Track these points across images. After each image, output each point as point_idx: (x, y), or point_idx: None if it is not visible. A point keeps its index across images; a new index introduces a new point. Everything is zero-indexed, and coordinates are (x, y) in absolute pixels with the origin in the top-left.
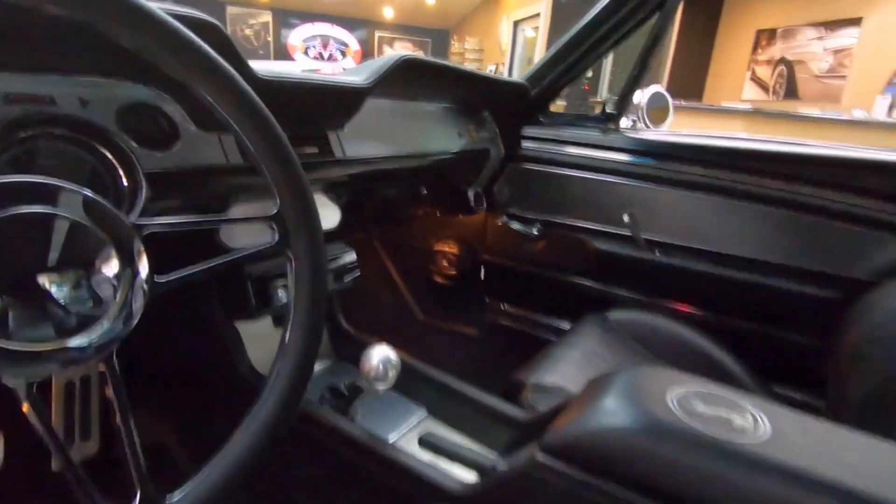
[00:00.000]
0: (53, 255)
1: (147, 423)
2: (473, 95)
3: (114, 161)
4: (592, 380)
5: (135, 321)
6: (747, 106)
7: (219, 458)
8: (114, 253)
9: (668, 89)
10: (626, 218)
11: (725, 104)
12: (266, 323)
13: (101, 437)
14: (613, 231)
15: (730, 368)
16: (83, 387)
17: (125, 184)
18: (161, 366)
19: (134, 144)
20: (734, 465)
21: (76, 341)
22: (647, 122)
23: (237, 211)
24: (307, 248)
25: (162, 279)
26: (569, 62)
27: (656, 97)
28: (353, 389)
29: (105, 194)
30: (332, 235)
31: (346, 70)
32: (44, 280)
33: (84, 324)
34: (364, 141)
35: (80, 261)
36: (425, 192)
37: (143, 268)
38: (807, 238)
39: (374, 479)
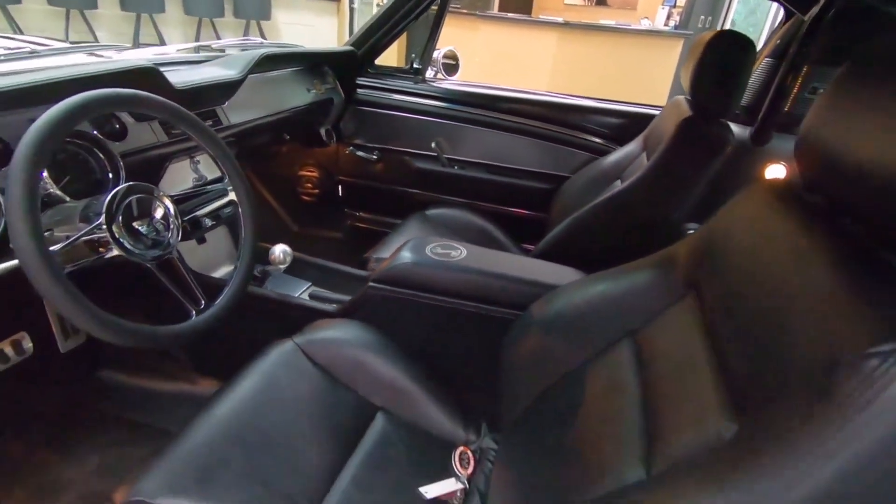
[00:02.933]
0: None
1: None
2: (316, 60)
3: (101, 154)
4: (398, 246)
5: (179, 237)
6: (557, 18)
7: (223, 295)
8: (157, 205)
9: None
10: (433, 145)
11: (542, 17)
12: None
13: None
14: (427, 154)
15: (497, 236)
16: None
17: (107, 166)
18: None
19: (106, 141)
20: (449, 268)
21: (153, 252)
22: (443, 73)
23: (171, 169)
24: (243, 190)
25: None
26: (389, 25)
27: (449, 55)
28: (264, 273)
29: (104, 176)
30: None
31: (225, 58)
32: (139, 225)
33: (157, 242)
34: (241, 109)
35: (148, 214)
36: (287, 137)
37: (172, 210)
38: (538, 153)
39: (284, 315)
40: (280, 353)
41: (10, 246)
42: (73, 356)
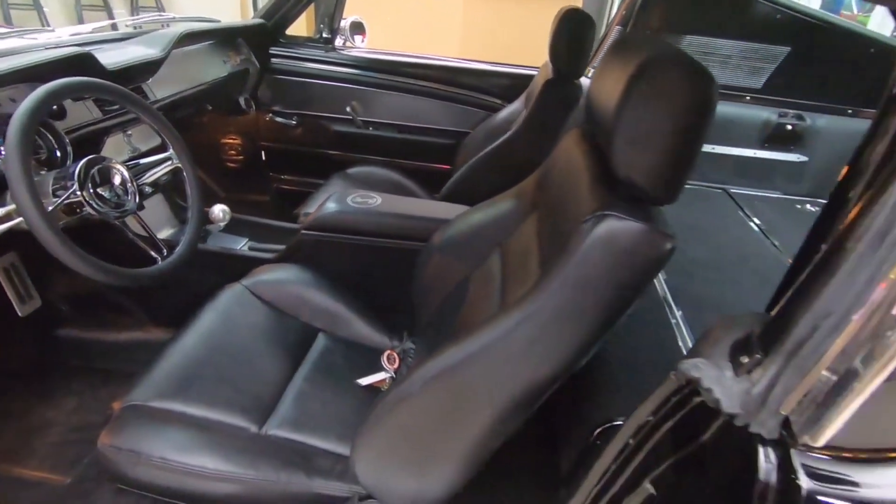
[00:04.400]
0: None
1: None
2: (230, 34)
3: (48, 134)
4: (326, 198)
5: (137, 199)
6: None
7: (182, 244)
8: (115, 173)
9: None
10: (348, 109)
11: None
12: None
13: None
14: (343, 117)
15: (412, 188)
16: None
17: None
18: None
19: (52, 121)
20: (368, 213)
21: (117, 211)
22: (351, 41)
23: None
24: (187, 158)
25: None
26: None
27: (356, 24)
28: (205, 231)
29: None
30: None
31: (145, 36)
32: (103, 190)
33: (119, 204)
34: (165, 84)
35: (108, 181)
36: (210, 108)
37: (127, 176)
38: (442, 112)
39: (228, 265)
40: (231, 295)
41: (15, 214)
42: (31, 319)
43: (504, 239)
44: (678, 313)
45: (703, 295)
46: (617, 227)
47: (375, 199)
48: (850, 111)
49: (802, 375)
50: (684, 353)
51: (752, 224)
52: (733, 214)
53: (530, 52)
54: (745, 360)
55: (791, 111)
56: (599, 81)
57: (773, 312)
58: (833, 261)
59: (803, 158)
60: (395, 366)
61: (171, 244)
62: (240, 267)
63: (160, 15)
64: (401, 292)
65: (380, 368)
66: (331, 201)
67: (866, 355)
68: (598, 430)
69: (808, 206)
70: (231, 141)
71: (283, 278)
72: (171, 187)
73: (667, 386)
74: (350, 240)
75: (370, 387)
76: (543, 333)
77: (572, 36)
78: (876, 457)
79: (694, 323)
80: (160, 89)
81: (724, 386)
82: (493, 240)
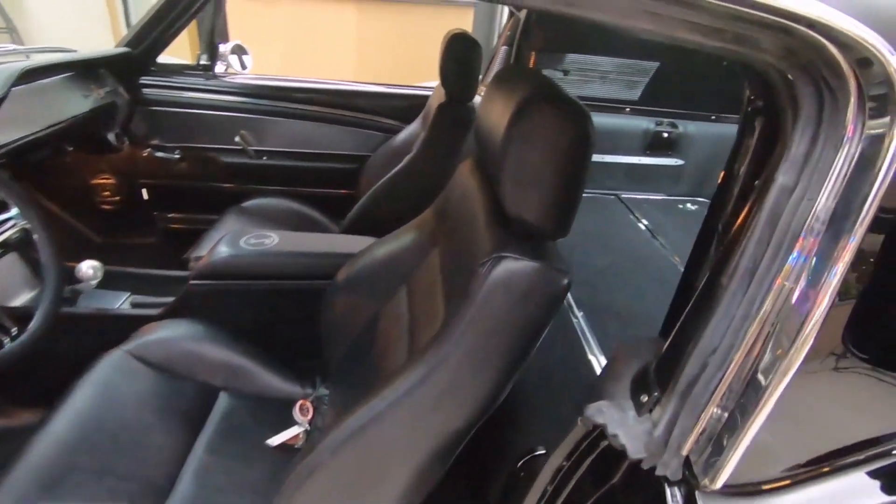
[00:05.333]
0: None
1: None
2: (89, 65)
3: None
4: (218, 240)
5: None
6: None
7: (35, 319)
8: None
9: None
10: (237, 139)
11: None
12: None
13: None
14: (233, 148)
15: (315, 217)
16: None
17: None
18: None
19: None
20: (264, 254)
21: None
22: (235, 66)
23: None
24: (33, 214)
25: None
26: (167, 22)
27: (238, 48)
28: (74, 292)
29: None
30: None
31: None
32: None
33: None
34: (9, 127)
35: None
36: (70, 148)
37: None
38: (340, 136)
39: (106, 328)
40: (111, 363)
41: None
42: None
43: (409, 274)
44: (585, 326)
45: (606, 303)
46: (513, 268)
47: (272, 238)
48: (713, 117)
49: (696, 414)
50: (595, 368)
51: (641, 225)
52: (625, 218)
53: (432, 66)
54: (644, 398)
55: (665, 120)
56: (484, 115)
57: (665, 346)
58: (711, 295)
59: (680, 162)
60: (309, 416)
61: (29, 313)
62: (120, 328)
63: (4, 46)
64: (308, 336)
65: (292, 422)
66: (222, 245)
67: (749, 391)
68: (522, 461)
69: (688, 204)
70: (104, 181)
71: (172, 336)
72: (25, 243)
73: (576, 431)
74: (247, 285)
75: (283, 446)
76: (453, 384)
77: (460, 60)
78: (773, 486)
79: (601, 334)
80: (4, 133)
81: (628, 429)
82: (399, 275)
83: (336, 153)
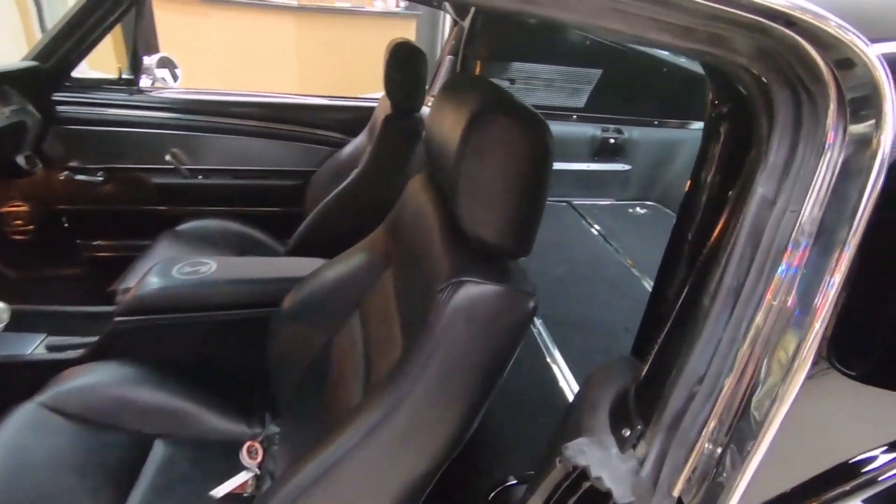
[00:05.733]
0: None
1: None
2: None
3: None
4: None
5: None
6: (292, 2)
7: None
8: None
9: None
10: (167, 157)
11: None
12: None
13: None
14: (165, 167)
15: (259, 238)
16: None
17: None
18: None
19: None
20: (200, 284)
21: None
22: (164, 80)
23: None
24: None
25: None
26: (81, 33)
27: (164, 61)
28: None
29: None
30: None
31: None
32: None
33: None
34: None
35: None
36: None
37: None
38: (282, 152)
39: (16, 377)
40: (22, 418)
41: None
42: None
43: (362, 298)
44: (548, 338)
45: (567, 314)
46: (475, 293)
47: (208, 266)
48: (656, 122)
49: (686, 451)
50: (561, 383)
51: (593, 231)
52: (578, 225)
53: (378, 78)
54: (626, 432)
55: (611, 126)
56: (434, 128)
57: (643, 371)
58: (691, 317)
59: (627, 167)
60: (259, 459)
61: None
62: (34, 377)
63: None
64: (254, 370)
65: (240, 467)
66: (152, 275)
67: (744, 424)
68: (493, 493)
69: (637, 208)
70: (14, 209)
71: (95, 381)
72: None
73: (555, 474)
74: (182, 319)
75: (230, 496)
76: (416, 424)
77: (405, 69)
78: None
79: (564, 346)
80: None
81: (612, 470)
82: (350, 300)
83: (279, 169)
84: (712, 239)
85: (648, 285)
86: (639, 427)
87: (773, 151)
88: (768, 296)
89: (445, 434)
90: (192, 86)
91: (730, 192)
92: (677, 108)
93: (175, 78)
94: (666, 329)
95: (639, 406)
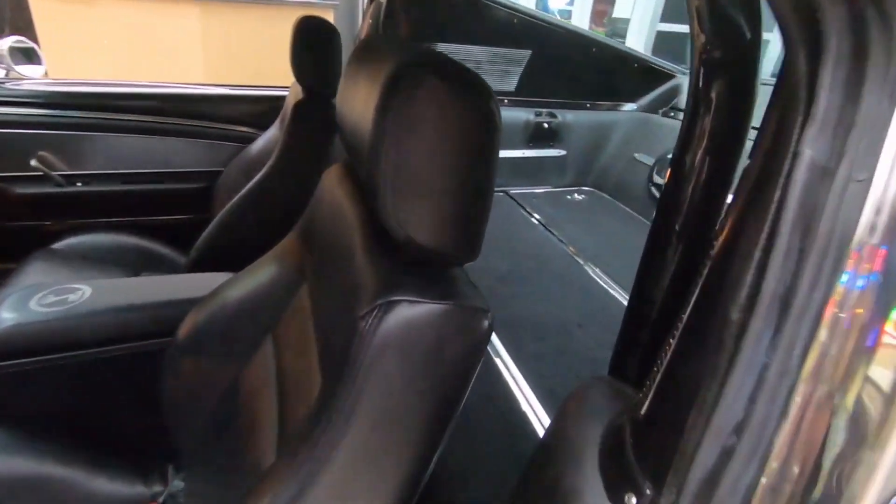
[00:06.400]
0: None
1: None
2: None
3: None
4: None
5: None
6: None
7: None
8: None
9: None
10: (33, 162)
11: None
12: None
13: None
14: (31, 175)
15: (159, 251)
16: None
17: None
18: None
19: None
20: (69, 317)
21: None
22: (16, 71)
23: None
24: None
25: None
26: None
27: (20, 50)
28: None
29: None
30: None
31: None
32: None
33: None
34: None
35: None
36: None
37: None
38: (183, 151)
39: None
40: None
41: None
42: None
43: (275, 320)
44: (498, 343)
45: (516, 314)
46: (410, 316)
47: (80, 292)
48: (588, 105)
49: None
50: (520, 399)
51: (534, 220)
52: (517, 215)
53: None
54: (631, 499)
55: (544, 110)
56: (346, 102)
57: (642, 407)
58: (712, 336)
59: (562, 152)
60: None
61: None
62: None
63: None
64: (148, 416)
65: None
66: (5, 310)
67: (815, 497)
68: None
69: (575, 195)
70: None
71: None
72: None
73: None
74: (46, 363)
75: None
76: (347, 489)
77: (315, 49)
78: None
79: (516, 351)
80: None
81: None
82: (261, 324)
83: (179, 171)
84: (729, 227)
85: (595, 274)
86: (647, 492)
87: (822, 96)
88: (832, 306)
89: (387, 489)
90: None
91: (748, 166)
92: (608, 89)
93: (33, 66)
94: (671, 349)
95: (641, 458)
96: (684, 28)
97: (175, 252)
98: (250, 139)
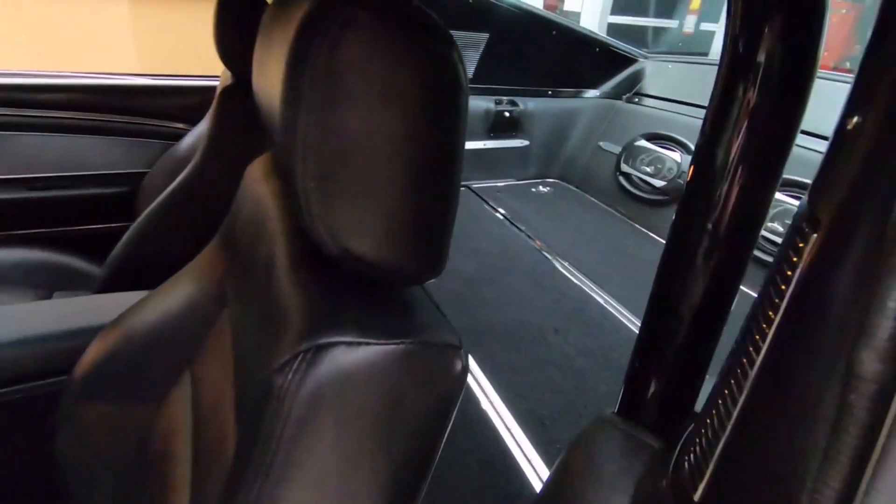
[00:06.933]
0: None
1: None
2: None
3: None
4: None
5: None
6: None
7: None
8: None
9: None
10: None
11: None
12: None
13: None
14: None
15: (78, 266)
16: None
17: None
18: None
19: None
20: None
21: None
22: None
23: None
24: None
25: None
26: None
27: None
28: None
29: None
30: None
31: None
32: None
33: None
34: None
35: None
36: None
37: None
38: (102, 150)
39: None
40: None
41: None
42: None
43: (192, 354)
44: (473, 364)
45: (486, 323)
46: (352, 364)
47: None
48: (549, 92)
49: None
50: (495, 422)
51: (498, 216)
52: (481, 210)
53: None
54: None
55: (505, 98)
56: (258, 72)
57: (699, 479)
58: (828, 401)
59: (525, 142)
60: None
61: None
62: None
63: None
64: (41, 475)
65: None
66: None
67: None
68: None
69: (540, 187)
70: None
71: None
72: None
73: None
74: None
75: None
76: None
77: (242, 25)
78: None
79: (489, 365)
80: None
81: None
82: (176, 358)
83: (97, 174)
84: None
85: (567, 271)
86: None
87: None
88: None
89: None
90: None
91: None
92: (570, 75)
93: None
94: (740, 402)
95: None
96: (636, 20)
97: (96, 267)
98: (180, 136)
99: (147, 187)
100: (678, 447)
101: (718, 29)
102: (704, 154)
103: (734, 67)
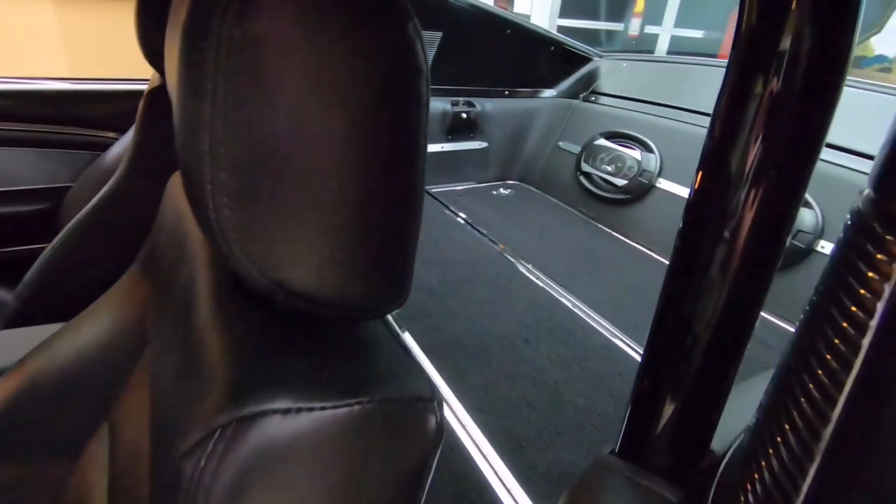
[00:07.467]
0: None
1: None
2: None
3: None
4: None
5: None
6: None
7: None
8: None
9: None
10: None
11: None
12: None
13: None
14: None
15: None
16: None
17: None
18: None
19: None
20: None
21: None
22: None
23: None
24: None
25: None
26: None
27: None
28: None
29: None
30: None
31: None
32: None
33: None
34: None
35: None
36: None
37: None
38: (17, 164)
39: None
40: None
41: None
42: None
43: (110, 401)
44: (438, 376)
45: (453, 337)
46: (290, 436)
47: None
48: (506, 92)
49: None
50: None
51: (459, 220)
52: (441, 216)
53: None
54: None
55: (461, 99)
56: (167, 59)
57: None
58: None
59: (484, 144)
60: None
61: None
62: None
63: None
64: None
65: None
66: None
67: None
68: None
69: (500, 189)
70: None
71: None
72: None
73: None
74: None
75: None
76: None
77: (166, 21)
78: None
79: (458, 383)
80: None
81: None
82: (93, 404)
83: (13, 190)
84: None
85: (533, 275)
86: None
87: None
88: None
89: None
90: None
91: None
92: (526, 74)
93: None
94: (818, 459)
95: None
96: (583, 23)
97: (7, 293)
98: (108, 146)
99: (70, 203)
100: (710, 497)
101: (662, 32)
102: (715, 158)
103: (751, 58)
